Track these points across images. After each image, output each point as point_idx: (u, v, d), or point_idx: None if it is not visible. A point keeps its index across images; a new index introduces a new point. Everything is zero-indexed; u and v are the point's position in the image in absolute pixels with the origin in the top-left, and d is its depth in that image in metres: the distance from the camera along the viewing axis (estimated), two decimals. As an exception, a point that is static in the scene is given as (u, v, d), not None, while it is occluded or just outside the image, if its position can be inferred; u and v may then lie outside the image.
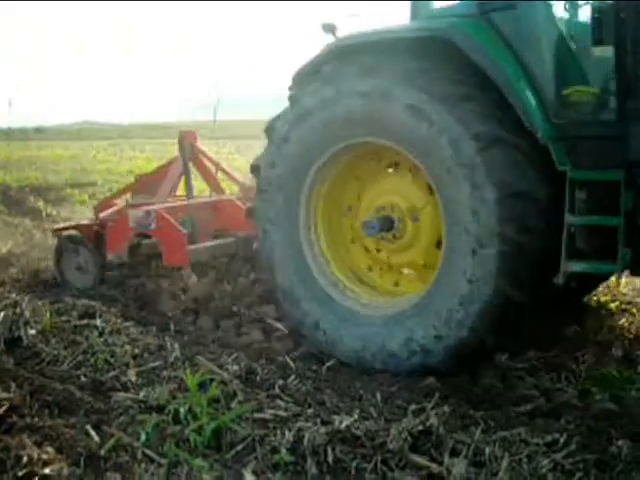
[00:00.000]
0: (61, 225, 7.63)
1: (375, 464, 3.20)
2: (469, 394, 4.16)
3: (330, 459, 3.24)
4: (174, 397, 3.96)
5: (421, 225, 4.78)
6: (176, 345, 4.86)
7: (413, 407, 3.77)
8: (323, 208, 5.07)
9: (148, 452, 3.42)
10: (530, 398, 4.11)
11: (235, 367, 4.39)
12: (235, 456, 3.38)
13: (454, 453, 3.28)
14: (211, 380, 4.08)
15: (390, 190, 4.93)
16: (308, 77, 4.90)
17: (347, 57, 4.69)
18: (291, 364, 4.59)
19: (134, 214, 6.55)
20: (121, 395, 4.09)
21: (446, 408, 3.72)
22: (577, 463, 3.22)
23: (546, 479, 3.07)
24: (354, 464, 3.20)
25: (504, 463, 3.16)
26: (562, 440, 3.42)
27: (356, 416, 3.60)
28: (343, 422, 3.44)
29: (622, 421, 3.77)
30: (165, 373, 4.40)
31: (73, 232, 7.11)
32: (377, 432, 3.38)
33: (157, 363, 4.58)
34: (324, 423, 3.51)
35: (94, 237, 6.94)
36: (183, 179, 7.74)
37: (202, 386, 3.95)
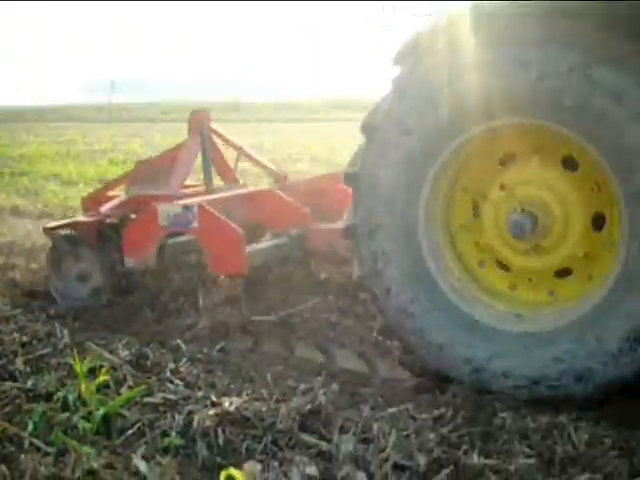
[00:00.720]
0: (55, 223, 6.26)
1: (265, 444, 3.23)
2: (357, 372, 4.24)
3: (220, 441, 3.26)
4: (63, 384, 3.89)
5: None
6: (65, 331, 4.78)
7: (303, 387, 3.82)
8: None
9: (35, 441, 3.35)
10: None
11: (126, 352, 4.36)
12: (125, 441, 3.35)
13: (343, 431, 3.33)
14: (101, 366, 4.03)
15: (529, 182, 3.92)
16: (425, 50, 3.87)
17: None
18: (183, 347, 4.57)
19: (167, 209, 5.27)
20: (8, 384, 3.99)
21: (335, 387, 3.78)
22: (463, 436, 3.33)
23: (432, 453, 3.15)
24: (244, 445, 3.22)
25: (392, 438, 3.24)
26: (449, 414, 3.55)
27: (246, 397, 3.63)
28: (233, 404, 3.46)
29: (506, 394, 3.95)
30: (54, 360, 4.31)
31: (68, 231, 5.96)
32: (267, 412, 3.41)
33: (46, 350, 4.49)
34: (214, 405, 3.52)
35: (96, 237, 5.79)
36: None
37: (91, 372, 3.90)
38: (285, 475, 3.00)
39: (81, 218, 6.06)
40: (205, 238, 5.15)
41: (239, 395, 3.67)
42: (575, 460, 3.10)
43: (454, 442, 3.27)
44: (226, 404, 3.47)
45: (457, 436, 3.34)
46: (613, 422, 3.46)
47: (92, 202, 6.53)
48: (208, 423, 3.32)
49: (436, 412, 3.58)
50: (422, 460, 3.07)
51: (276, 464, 3.07)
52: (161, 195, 5.86)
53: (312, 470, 3.02)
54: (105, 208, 6.00)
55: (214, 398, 3.64)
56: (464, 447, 3.20)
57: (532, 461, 3.08)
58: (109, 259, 5.65)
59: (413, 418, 3.51)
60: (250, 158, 6.95)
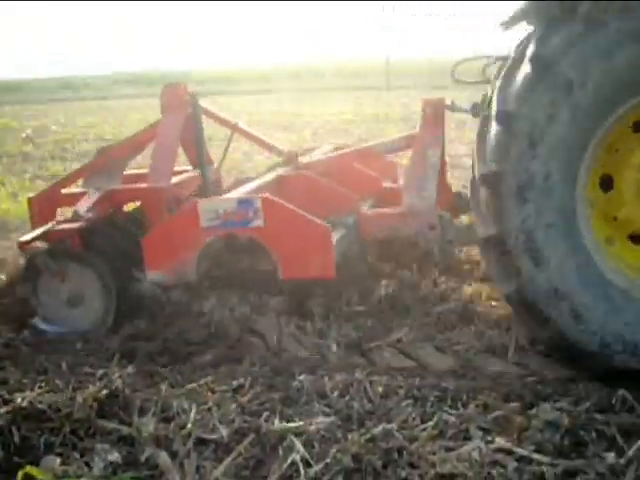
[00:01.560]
0: (30, 235, 4.84)
1: (64, 436, 3.15)
2: (153, 352, 4.23)
3: (16, 439, 3.14)
4: None
5: None
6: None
7: (100, 372, 3.75)
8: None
9: None
10: (213, 346, 4.27)
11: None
12: None
13: (142, 412, 3.31)
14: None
15: None
16: None
17: None
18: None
19: (213, 205, 4.36)
20: None
21: (130, 369, 3.75)
22: (263, 403, 3.42)
23: (234, 423, 3.21)
24: (42, 440, 3.12)
25: (192, 414, 3.27)
26: (247, 384, 3.61)
27: (39, 390, 3.51)
28: (26, 398, 3.33)
29: (301, 357, 4.09)
30: None
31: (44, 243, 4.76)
32: (63, 403, 3.31)
33: None
34: (6, 403, 3.38)
35: (83, 247, 4.68)
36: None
37: None
38: (87, 465, 2.95)
39: (58, 224, 4.80)
40: (275, 238, 4.29)
41: (32, 389, 3.55)
42: (372, 413, 3.28)
43: (255, 410, 3.35)
44: (18, 400, 3.34)
45: (257, 404, 3.42)
46: (406, 374, 3.72)
47: (46, 203, 5.33)
48: (0, 422, 3.19)
49: (235, 383, 3.64)
50: (224, 432, 3.13)
51: (77, 455, 3.02)
52: (154, 187, 4.95)
53: (114, 456, 2.99)
54: (82, 209, 4.81)
55: (6, 395, 3.49)
56: (265, 414, 3.28)
57: (331, 419, 3.21)
58: (108, 275, 4.57)
59: (212, 391, 3.55)
60: (248, 136, 6.19)
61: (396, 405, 3.33)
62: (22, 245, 4.78)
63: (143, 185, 5.09)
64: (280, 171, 5.55)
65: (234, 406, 3.36)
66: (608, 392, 3.39)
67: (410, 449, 2.92)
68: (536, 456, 2.84)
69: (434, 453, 2.90)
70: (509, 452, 2.89)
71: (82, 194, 5.15)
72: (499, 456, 2.86)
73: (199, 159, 5.47)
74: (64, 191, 5.46)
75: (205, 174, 5.42)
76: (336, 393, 3.48)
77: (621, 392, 3.31)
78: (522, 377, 3.72)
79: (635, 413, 3.21)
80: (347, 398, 3.42)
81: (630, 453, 2.84)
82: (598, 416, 3.14)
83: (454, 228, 4.76)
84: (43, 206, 5.32)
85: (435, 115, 5.23)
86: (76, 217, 4.76)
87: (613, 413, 3.21)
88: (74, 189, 5.51)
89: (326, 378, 3.62)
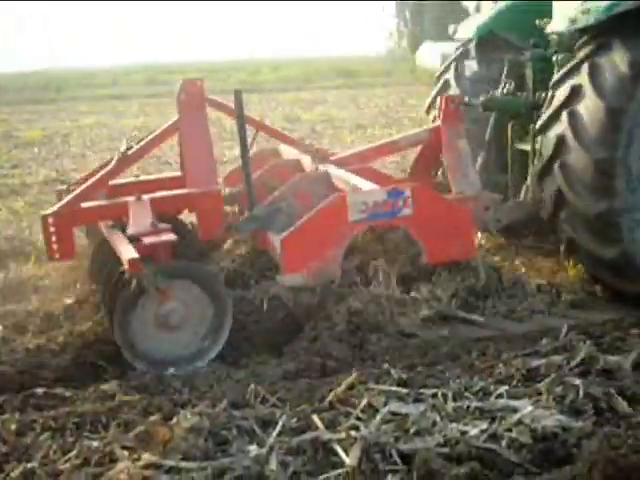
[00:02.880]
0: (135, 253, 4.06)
1: None
2: None
3: None
4: None
5: None
6: None
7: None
8: None
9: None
10: None
11: None
12: None
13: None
14: None
15: None
16: None
17: None
18: None
19: (362, 198, 4.39)
20: None
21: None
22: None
23: None
24: None
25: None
26: None
27: None
28: None
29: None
30: None
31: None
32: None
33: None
34: None
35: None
36: None
37: None
38: None
39: (147, 237, 4.17)
40: (422, 225, 4.50)
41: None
42: (8, 454, 3.07)
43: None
44: None
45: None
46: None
47: (65, 219, 4.48)
48: None
49: None
50: None
51: None
52: (211, 191, 4.70)
53: None
54: (146, 220, 4.31)
55: None
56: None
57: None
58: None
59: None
60: (275, 134, 5.98)
61: (33, 441, 3.15)
62: (132, 264, 3.94)
63: (197, 190, 4.74)
64: (323, 167, 5.44)
65: None
66: (242, 387, 3.56)
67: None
68: (184, 464, 2.88)
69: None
70: (157, 466, 2.88)
71: (111, 206, 4.76)
72: (148, 472, 2.83)
73: (243, 160, 4.84)
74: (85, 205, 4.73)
75: (249, 176, 4.86)
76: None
77: (253, 386, 3.51)
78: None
79: (269, 403, 3.41)
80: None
81: (270, 441, 3.00)
82: (236, 413, 3.27)
83: (502, 208, 5.31)
84: (62, 223, 4.51)
85: (456, 110, 5.60)
86: (154, 229, 4.26)
87: (249, 407, 3.38)
88: (95, 202, 4.79)
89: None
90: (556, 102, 4.82)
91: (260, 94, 23.36)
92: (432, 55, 18.86)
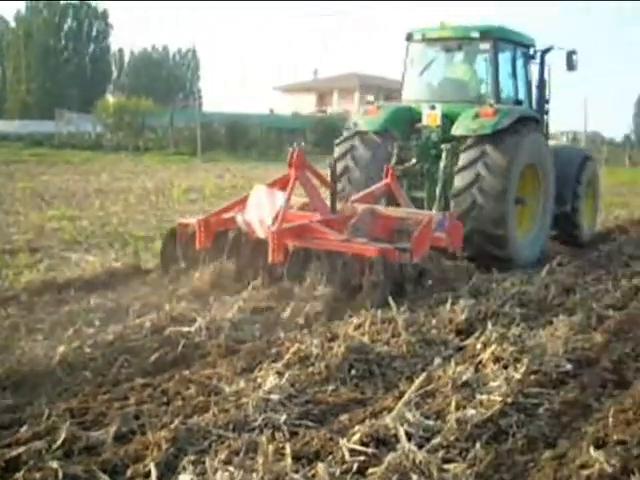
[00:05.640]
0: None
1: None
2: None
3: None
4: None
5: None
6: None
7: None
8: None
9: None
10: None
11: None
12: None
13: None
14: None
15: None
16: None
17: None
18: None
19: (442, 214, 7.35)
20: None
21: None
22: None
23: None
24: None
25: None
26: None
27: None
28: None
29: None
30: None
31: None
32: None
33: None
34: None
35: None
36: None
37: None
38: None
39: (394, 243, 7.31)
40: (453, 238, 7.86)
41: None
42: None
43: None
44: None
45: None
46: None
47: (210, 226, 7.29)
48: None
49: None
50: None
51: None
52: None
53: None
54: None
55: None
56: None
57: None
58: None
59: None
60: (327, 184, 8.25)
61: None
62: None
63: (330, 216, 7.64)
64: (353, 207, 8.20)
65: None
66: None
67: None
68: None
69: None
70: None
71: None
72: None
73: (332, 200, 7.90)
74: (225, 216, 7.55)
75: (334, 203, 7.92)
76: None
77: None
78: None
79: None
80: None
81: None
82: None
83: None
84: (206, 228, 7.10)
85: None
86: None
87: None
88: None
89: None
90: (465, 181, 8.83)
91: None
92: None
